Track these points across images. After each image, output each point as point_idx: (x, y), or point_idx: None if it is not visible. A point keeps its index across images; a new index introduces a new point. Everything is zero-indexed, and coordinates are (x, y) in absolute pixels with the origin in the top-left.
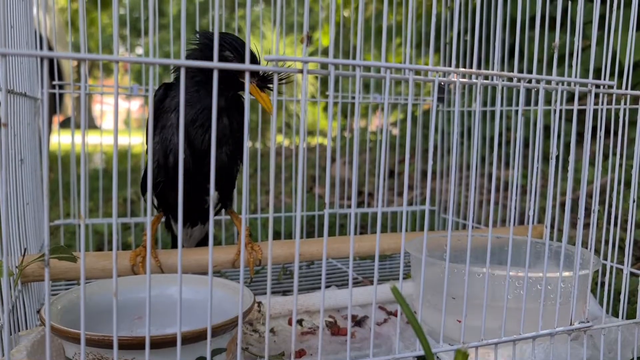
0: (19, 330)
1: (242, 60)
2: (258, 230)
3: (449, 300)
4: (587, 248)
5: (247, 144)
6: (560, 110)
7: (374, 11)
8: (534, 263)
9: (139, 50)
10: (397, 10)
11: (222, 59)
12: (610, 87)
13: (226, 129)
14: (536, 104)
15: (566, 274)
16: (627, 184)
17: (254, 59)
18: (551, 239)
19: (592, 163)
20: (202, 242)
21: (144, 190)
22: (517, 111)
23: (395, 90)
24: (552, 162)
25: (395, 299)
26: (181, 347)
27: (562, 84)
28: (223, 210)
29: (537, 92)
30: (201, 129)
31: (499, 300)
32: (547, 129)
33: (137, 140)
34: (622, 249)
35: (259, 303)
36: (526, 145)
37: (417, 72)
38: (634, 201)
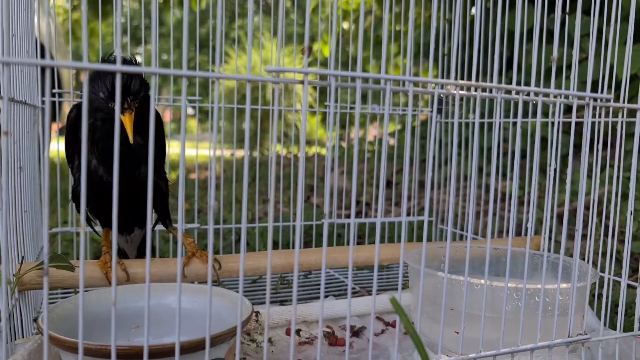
0: (15, 339)
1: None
2: (256, 240)
3: (447, 312)
4: (584, 260)
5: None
6: (558, 123)
7: (373, 21)
8: (530, 275)
9: (138, 59)
10: (395, 21)
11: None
12: (608, 100)
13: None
14: (533, 115)
15: (564, 285)
16: (624, 196)
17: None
18: (548, 250)
19: (589, 175)
20: (142, 246)
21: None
22: (514, 123)
23: (393, 100)
24: (550, 174)
25: (393, 309)
26: (179, 356)
27: (560, 97)
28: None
29: (535, 104)
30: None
31: (497, 312)
32: (544, 140)
33: None
34: (619, 261)
35: (257, 313)
36: (523, 156)
37: (416, 84)
38: (631, 213)
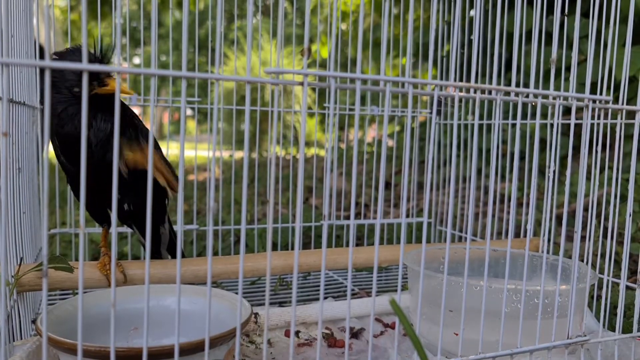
0: (13, 340)
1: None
2: (255, 241)
3: (447, 313)
4: (583, 261)
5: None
6: (557, 124)
7: (371, 23)
8: (530, 276)
9: (137, 60)
10: (394, 23)
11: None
12: (607, 102)
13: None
14: (532, 117)
15: (563, 287)
16: (623, 198)
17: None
18: (547, 252)
19: (588, 177)
20: (170, 246)
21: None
22: (513, 124)
23: (392, 102)
24: (549, 176)
25: (393, 311)
26: (179, 358)
27: (560, 99)
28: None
29: (534, 105)
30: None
31: (497, 314)
32: (543, 142)
33: None
34: (618, 262)
35: (256, 314)
36: (522, 158)
37: (416, 85)
38: (630, 215)
